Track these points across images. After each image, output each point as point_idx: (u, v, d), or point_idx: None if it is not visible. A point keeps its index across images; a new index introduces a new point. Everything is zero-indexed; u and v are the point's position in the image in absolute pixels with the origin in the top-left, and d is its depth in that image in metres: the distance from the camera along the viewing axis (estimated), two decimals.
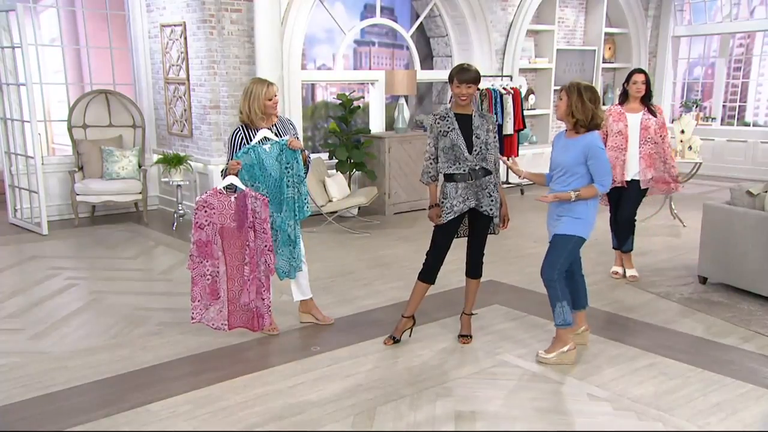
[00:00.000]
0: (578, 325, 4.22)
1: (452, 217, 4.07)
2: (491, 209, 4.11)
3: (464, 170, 4.05)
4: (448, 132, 4.05)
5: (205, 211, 4.07)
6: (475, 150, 4.03)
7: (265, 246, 4.08)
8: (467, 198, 4.07)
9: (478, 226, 4.19)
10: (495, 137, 4.13)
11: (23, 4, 6.86)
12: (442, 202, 4.10)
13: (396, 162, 8.11)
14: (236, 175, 4.10)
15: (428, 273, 4.21)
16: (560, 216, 3.97)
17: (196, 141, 7.82)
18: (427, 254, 4.22)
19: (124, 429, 3.27)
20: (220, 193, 4.07)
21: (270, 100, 4.20)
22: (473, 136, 4.04)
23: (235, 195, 4.06)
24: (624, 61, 11.75)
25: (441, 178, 4.16)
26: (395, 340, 4.27)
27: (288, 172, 4.21)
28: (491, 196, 4.10)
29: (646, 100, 5.45)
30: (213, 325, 4.20)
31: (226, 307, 4.18)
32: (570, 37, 11.10)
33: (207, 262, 4.10)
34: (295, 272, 4.41)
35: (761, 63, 11.67)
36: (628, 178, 5.43)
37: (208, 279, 4.12)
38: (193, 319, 4.16)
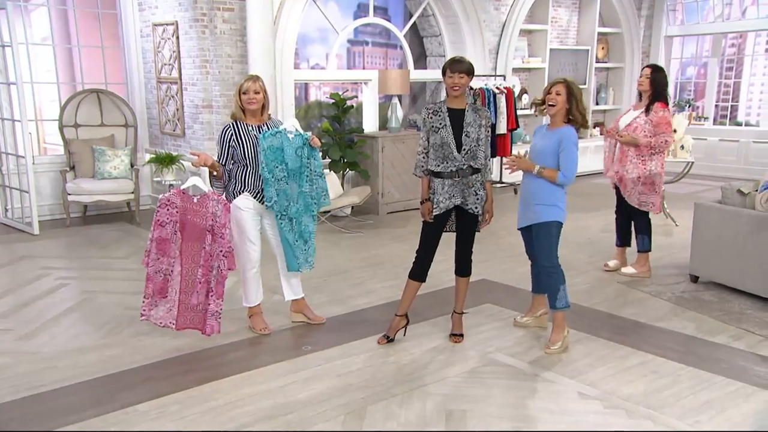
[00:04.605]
0: (537, 308, 4.50)
1: (438, 212, 4.09)
2: (476, 207, 4.12)
3: (452, 169, 4.05)
4: (439, 129, 4.05)
5: (168, 210, 4.05)
6: (465, 149, 4.03)
7: (221, 251, 4.01)
8: (453, 195, 4.08)
9: (465, 224, 4.19)
10: (488, 132, 4.13)
11: (13, 3, 6.83)
12: (431, 197, 4.11)
13: (389, 161, 8.10)
14: (213, 168, 4.16)
15: (418, 271, 4.21)
16: (536, 205, 4.16)
17: (189, 140, 7.79)
18: (416, 252, 4.23)
19: (113, 429, 3.25)
20: (183, 193, 4.06)
21: (245, 93, 4.17)
22: (463, 134, 4.03)
23: (198, 196, 4.05)
24: (617, 60, 11.79)
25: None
26: (389, 339, 4.26)
27: (308, 166, 4.29)
28: (477, 194, 4.11)
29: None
30: (161, 323, 4.15)
31: (176, 306, 4.13)
32: (563, 36, 11.12)
33: (164, 259, 4.08)
34: (307, 267, 4.43)
35: (753, 63, 11.72)
36: None
37: (160, 276, 4.10)
38: (142, 316, 4.13)
